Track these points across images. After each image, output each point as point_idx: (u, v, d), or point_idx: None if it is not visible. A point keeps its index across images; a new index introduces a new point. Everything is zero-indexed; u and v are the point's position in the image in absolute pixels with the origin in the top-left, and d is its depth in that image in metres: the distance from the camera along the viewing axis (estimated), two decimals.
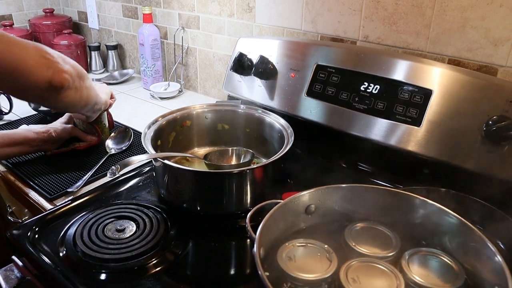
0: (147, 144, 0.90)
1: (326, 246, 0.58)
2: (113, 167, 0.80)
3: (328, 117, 1.00)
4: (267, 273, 0.52)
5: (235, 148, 1.00)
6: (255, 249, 0.48)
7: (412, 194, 0.59)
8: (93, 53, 1.78)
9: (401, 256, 0.58)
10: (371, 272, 0.55)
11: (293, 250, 0.58)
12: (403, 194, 0.59)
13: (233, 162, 0.98)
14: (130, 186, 0.99)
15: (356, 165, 1.02)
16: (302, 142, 1.08)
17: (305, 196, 0.60)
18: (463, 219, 0.56)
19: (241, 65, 1.14)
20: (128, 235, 0.81)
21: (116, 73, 1.72)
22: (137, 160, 0.84)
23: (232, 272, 0.78)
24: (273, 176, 0.90)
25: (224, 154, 0.99)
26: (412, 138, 0.90)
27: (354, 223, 0.63)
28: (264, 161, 1.00)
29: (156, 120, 0.99)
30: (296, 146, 0.91)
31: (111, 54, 1.76)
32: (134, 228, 0.83)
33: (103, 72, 1.80)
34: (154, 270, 0.75)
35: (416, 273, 0.55)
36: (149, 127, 0.96)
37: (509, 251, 0.79)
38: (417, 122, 0.90)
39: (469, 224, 0.55)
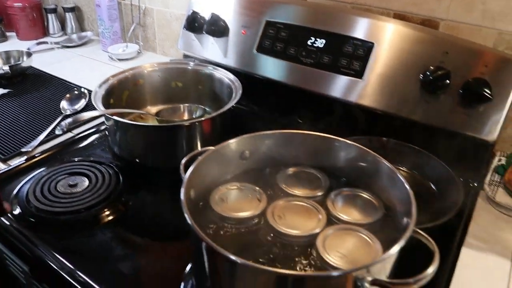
0: (97, 102, 0.91)
1: (257, 188, 0.62)
2: (62, 123, 0.82)
3: (277, 72, 1.03)
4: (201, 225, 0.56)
5: (186, 104, 1.03)
6: (182, 190, 0.52)
7: (334, 137, 0.62)
8: (49, 15, 1.73)
9: (327, 196, 0.62)
10: (296, 210, 0.59)
11: (226, 193, 0.62)
12: (327, 138, 0.62)
13: (185, 118, 1.00)
14: (85, 145, 1.01)
15: (306, 118, 1.05)
16: (254, 97, 1.12)
17: (236, 142, 0.62)
18: (376, 154, 0.60)
19: (194, 24, 1.15)
20: (80, 190, 0.84)
21: (74, 36, 1.69)
22: (87, 116, 0.85)
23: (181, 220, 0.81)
24: (223, 129, 0.92)
25: (176, 111, 1.02)
26: (355, 90, 0.94)
27: (287, 168, 0.67)
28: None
29: (107, 80, 1.00)
30: (248, 101, 0.94)
31: (69, 16, 1.72)
32: (87, 183, 0.85)
33: (61, 35, 1.77)
34: (105, 220, 0.79)
35: (340, 210, 0.60)
36: (100, 86, 0.97)
37: (440, 191, 0.85)
38: (359, 74, 0.93)
39: (382, 159, 0.59)
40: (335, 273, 0.44)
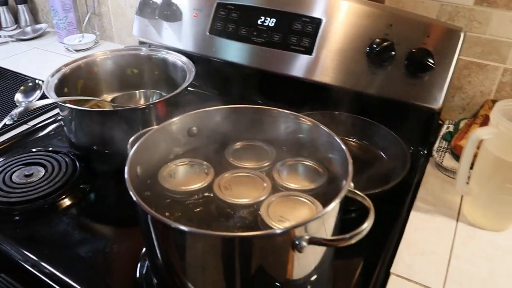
0: (49, 91, 0.90)
1: (205, 163, 0.64)
2: (12, 112, 0.81)
3: (230, 53, 1.04)
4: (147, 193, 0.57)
5: (142, 90, 1.03)
6: (126, 167, 0.53)
7: (273, 108, 0.64)
8: (0, 8, 1.69)
9: (273, 167, 0.64)
10: (242, 181, 0.61)
11: (174, 169, 0.63)
12: (267, 109, 0.64)
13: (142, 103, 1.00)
14: (41, 136, 1.01)
15: (266, 99, 1.07)
16: (214, 82, 1.13)
17: (180, 119, 0.64)
18: (314, 120, 0.62)
19: (147, 9, 1.14)
20: (36, 179, 0.83)
21: (28, 29, 1.66)
22: (38, 104, 0.85)
23: None
24: (180, 111, 0.92)
25: (132, 97, 1.02)
26: (306, 66, 0.96)
27: (235, 142, 0.69)
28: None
29: (59, 69, 0.98)
30: (208, 86, 0.94)
31: (21, 8, 1.68)
32: (43, 172, 0.85)
33: (15, 29, 1.73)
34: (63, 208, 0.79)
35: (286, 179, 0.62)
36: (52, 75, 0.96)
37: (389, 159, 0.88)
38: (309, 50, 0.95)
39: (320, 124, 0.61)
40: (270, 232, 0.46)
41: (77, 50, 1.48)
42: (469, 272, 0.68)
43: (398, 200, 0.82)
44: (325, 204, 0.56)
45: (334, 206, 0.47)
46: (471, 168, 0.75)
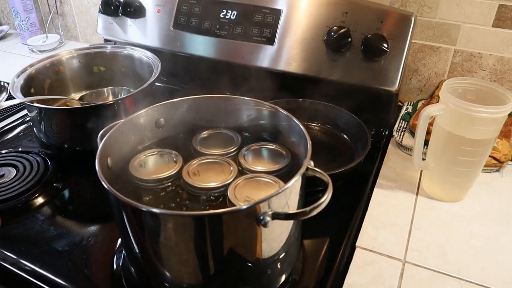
0: (15, 91, 0.91)
1: (174, 152, 0.66)
2: None
3: (195, 47, 1.06)
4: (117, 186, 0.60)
5: (110, 87, 1.04)
6: (96, 158, 0.55)
7: (235, 96, 0.67)
8: None
9: (239, 152, 0.68)
10: (210, 166, 0.64)
11: (144, 159, 0.65)
12: (229, 98, 0.67)
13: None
14: (10, 137, 1.01)
15: (233, 89, 1.09)
16: (181, 76, 1.15)
17: (146, 112, 0.66)
18: (272, 104, 0.65)
19: (110, 7, 1.15)
20: (7, 180, 0.84)
21: None
22: (5, 105, 0.85)
23: None
24: (146, 105, 0.95)
25: (101, 95, 1.03)
26: (269, 56, 0.99)
27: (202, 131, 0.72)
28: None
29: (24, 69, 0.99)
30: (176, 81, 0.95)
31: None
32: (14, 172, 0.86)
33: None
34: (36, 206, 0.80)
35: (251, 163, 0.65)
36: (17, 76, 0.97)
37: (352, 141, 0.93)
38: (271, 41, 0.98)
39: (278, 108, 0.65)
40: (236, 208, 0.49)
41: (41, 51, 1.47)
42: (428, 241, 0.72)
43: (362, 179, 0.86)
44: None
45: (294, 181, 0.51)
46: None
